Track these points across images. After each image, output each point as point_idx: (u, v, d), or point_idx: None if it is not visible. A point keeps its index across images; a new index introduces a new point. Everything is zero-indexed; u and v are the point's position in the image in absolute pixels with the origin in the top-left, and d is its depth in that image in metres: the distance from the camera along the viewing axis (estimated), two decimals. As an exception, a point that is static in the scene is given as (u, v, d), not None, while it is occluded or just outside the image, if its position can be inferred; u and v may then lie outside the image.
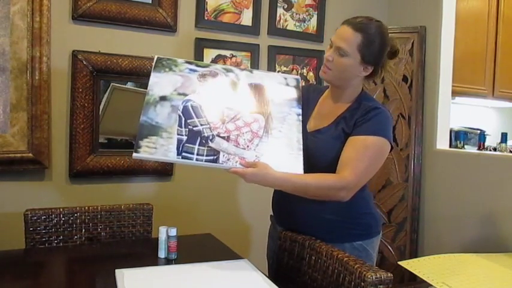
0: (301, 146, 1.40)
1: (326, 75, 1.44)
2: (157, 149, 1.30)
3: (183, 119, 1.36)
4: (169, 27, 2.23)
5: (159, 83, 1.41)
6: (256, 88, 1.48)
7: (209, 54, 2.33)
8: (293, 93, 1.52)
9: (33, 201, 1.90)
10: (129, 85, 2.18)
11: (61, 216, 1.72)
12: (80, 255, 1.63)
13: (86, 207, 1.77)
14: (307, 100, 1.56)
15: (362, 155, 1.37)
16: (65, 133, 2.08)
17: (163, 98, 1.38)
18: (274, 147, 1.39)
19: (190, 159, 1.32)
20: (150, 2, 2.18)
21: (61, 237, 1.71)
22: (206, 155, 1.33)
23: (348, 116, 1.43)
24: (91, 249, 1.69)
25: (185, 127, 1.35)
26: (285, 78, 1.56)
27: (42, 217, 1.69)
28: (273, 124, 1.42)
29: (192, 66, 1.48)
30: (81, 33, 2.08)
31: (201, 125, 1.36)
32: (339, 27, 1.43)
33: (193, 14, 2.31)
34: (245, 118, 1.41)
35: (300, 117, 1.47)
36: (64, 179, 2.09)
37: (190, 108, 1.38)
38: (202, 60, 2.29)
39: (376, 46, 1.40)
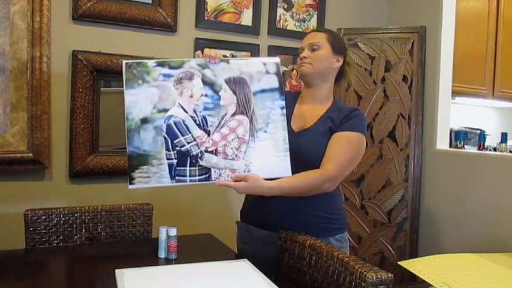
0: (288, 146, 1.42)
1: (306, 69, 1.55)
2: (151, 177, 1.32)
3: (169, 140, 1.35)
4: (169, 27, 2.23)
5: (136, 102, 1.35)
6: (235, 82, 1.43)
7: (209, 54, 2.33)
8: (274, 82, 1.46)
9: (33, 201, 1.90)
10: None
11: (61, 216, 1.71)
12: (80, 255, 1.63)
13: (86, 207, 1.77)
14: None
15: (345, 149, 1.48)
16: (65, 133, 2.08)
17: (144, 121, 1.34)
18: (262, 151, 1.40)
19: (184, 181, 1.35)
20: (150, 2, 2.18)
21: (61, 237, 1.71)
22: (199, 175, 1.36)
23: (334, 116, 1.53)
24: (91, 249, 1.69)
25: (173, 149, 1.34)
26: (264, 64, 1.47)
27: (42, 217, 1.68)
28: (258, 125, 1.41)
29: (165, 70, 1.38)
30: (81, 33, 2.08)
31: (188, 143, 1.36)
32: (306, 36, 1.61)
33: (193, 14, 2.31)
34: (229, 123, 1.40)
35: (284, 110, 1.45)
36: (64, 179, 2.09)
37: (173, 125, 1.36)
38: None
39: (340, 39, 1.63)
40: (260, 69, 1.46)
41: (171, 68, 1.39)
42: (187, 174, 1.35)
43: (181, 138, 1.36)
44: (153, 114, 1.35)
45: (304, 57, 1.55)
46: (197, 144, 1.36)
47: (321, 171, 1.45)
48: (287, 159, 1.41)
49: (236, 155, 1.39)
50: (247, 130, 1.41)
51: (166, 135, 1.35)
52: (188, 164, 1.35)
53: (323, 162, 1.47)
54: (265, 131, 1.42)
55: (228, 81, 1.42)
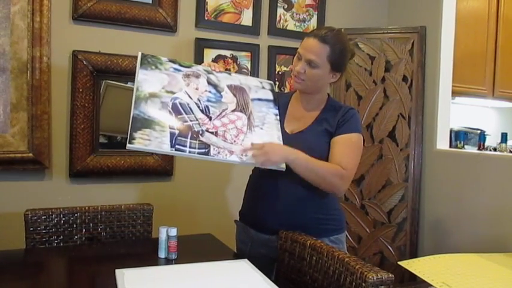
0: (282, 143, 1.49)
1: (300, 86, 1.54)
2: (152, 140, 1.33)
3: (173, 114, 1.40)
4: (169, 27, 2.23)
5: (148, 80, 1.44)
6: (236, 89, 1.57)
7: (209, 54, 2.33)
8: (269, 95, 1.63)
9: (33, 201, 1.90)
10: (129, 85, 2.18)
11: (61, 216, 1.72)
12: (80, 255, 1.63)
13: (86, 207, 1.77)
14: (278, 105, 1.64)
15: (350, 151, 1.50)
16: (65, 133, 2.08)
17: (152, 95, 1.41)
18: (258, 142, 1.46)
19: (183, 151, 1.36)
20: (150, 2, 2.18)
21: (61, 237, 1.71)
22: (198, 148, 1.38)
23: (329, 117, 1.54)
24: (91, 249, 1.69)
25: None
26: (260, 82, 1.66)
27: (43, 217, 1.68)
28: (255, 122, 1.51)
29: (176, 66, 1.53)
30: (81, 33, 2.08)
31: (191, 120, 1.42)
32: (305, 39, 1.51)
33: (194, 14, 2.31)
34: (229, 116, 1.49)
35: (278, 117, 1.58)
36: (64, 179, 2.09)
37: (178, 105, 1.43)
38: (203, 61, 2.29)
39: (341, 54, 1.51)
40: (257, 84, 1.63)
41: (181, 65, 1.54)
42: (188, 145, 1.37)
43: (185, 115, 1.42)
44: (161, 92, 1.43)
45: (299, 72, 1.50)
46: (199, 124, 1.42)
47: (340, 168, 1.44)
48: None
49: (234, 141, 1.44)
50: (245, 124, 1.49)
51: (171, 110, 1.41)
52: (189, 137, 1.38)
53: None
54: (261, 128, 1.51)
55: (229, 87, 1.56)
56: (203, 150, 1.38)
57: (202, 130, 1.41)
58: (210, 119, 1.45)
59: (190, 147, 1.36)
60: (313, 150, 1.49)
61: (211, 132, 1.42)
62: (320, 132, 1.52)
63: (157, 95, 1.41)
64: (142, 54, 1.50)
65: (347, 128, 1.51)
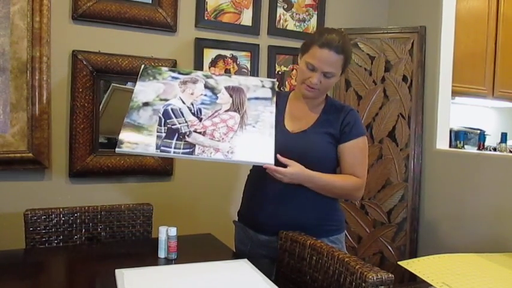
0: (273, 139, 1.47)
1: (313, 95, 1.56)
2: (138, 144, 1.40)
3: (163, 119, 1.46)
4: (169, 27, 2.23)
5: (143, 91, 1.52)
6: (233, 90, 1.59)
7: (209, 54, 2.33)
8: (268, 94, 1.62)
9: (33, 201, 1.90)
10: (129, 85, 2.18)
11: (61, 216, 1.72)
12: (80, 255, 1.63)
13: (86, 207, 1.77)
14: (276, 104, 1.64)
15: (361, 158, 1.56)
16: (65, 133, 2.08)
17: (146, 104, 1.49)
18: (247, 139, 1.47)
19: (168, 152, 1.41)
20: (150, 2, 2.18)
21: (61, 237, 1.71)
22: (183, 148, 1.42)
23: (331, 118, 1.57)
24: (91, 249, 1.69)
25: (164, 126, 1.45)
26: (261, 81, 1.66)
27: (42, 217, 1.68)
28: (248, 121, 1.52)
29: (175, 74, 1.60)
30: (81, 33, 2.08)
31: (179, 123, 1.46)
32: (318, 50, 1.47)
33: (193, 14, 2.31)
34: (222, 116, 1.51)
35: (273, 115, 1.55)
36: (64, 179, 2.09)
37: (170, 110, 1.48)
38: (202, 61, 2.30)
39: (350, 58, 1.57)
40: (256, 84, 1.64)
41: (180, 73, 1.61)
42: (173, 146, 1.41)
43: (175, 119, 1.47)
44: (155, 101, 1.50)
45: (316, 83, 1.50)
46: (188, 125, 1.46)
47: (355, 179, 1.52)
48: (271, 149, 1.44)
49: (222, 138, 1.46)
50: (237, 123, 1.50)
51: (161, 115, 1.47)
52: (175, 138, 1.43)
53: (346, 174, 1.54)
54: (253, 126, 1.51)
55: (227, 88, 1.58)
56: (187, 150, 1.41)
57: (189, 131, 1.45)
58: (201, 120, 1.48)
59: (175, 148, 1.41)
60: (315, 150, 1.52)
61: (199, 132, 1.45)
62: (323, 133, 1.54)
63: (150, 104, 1.49)
64: (144, 66, 1.60)
65: (353, 133, 1.54)
